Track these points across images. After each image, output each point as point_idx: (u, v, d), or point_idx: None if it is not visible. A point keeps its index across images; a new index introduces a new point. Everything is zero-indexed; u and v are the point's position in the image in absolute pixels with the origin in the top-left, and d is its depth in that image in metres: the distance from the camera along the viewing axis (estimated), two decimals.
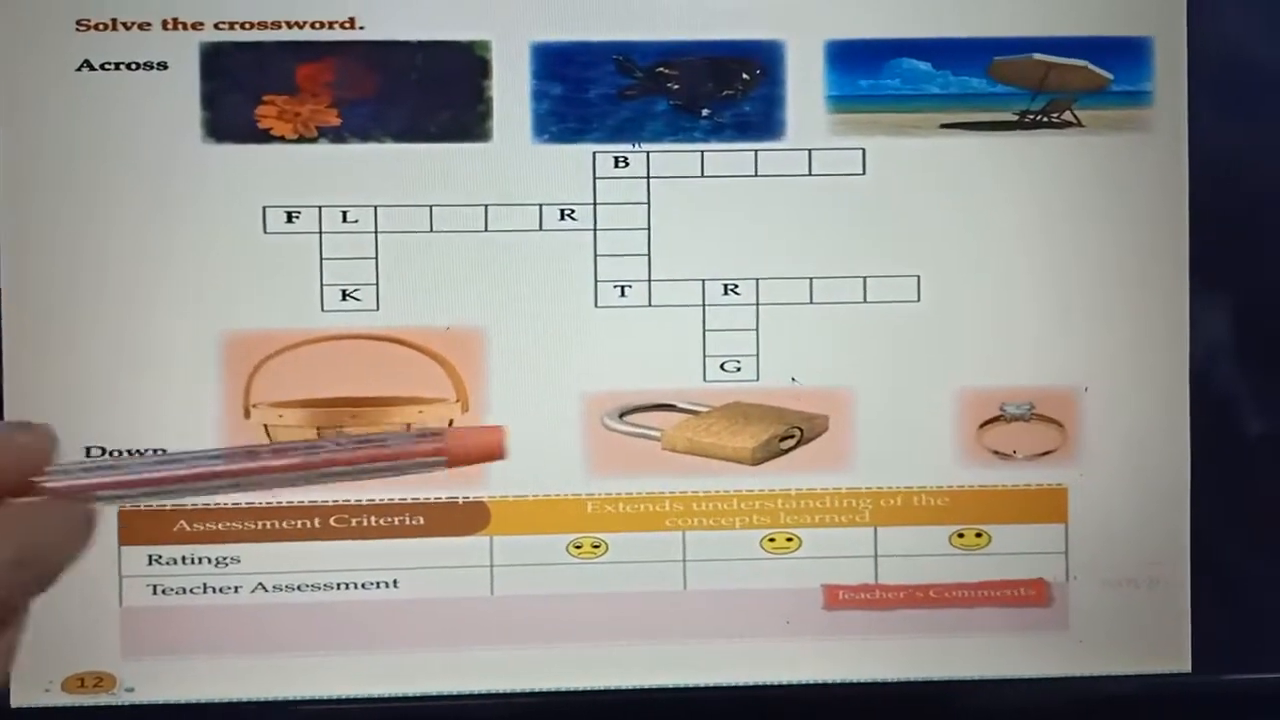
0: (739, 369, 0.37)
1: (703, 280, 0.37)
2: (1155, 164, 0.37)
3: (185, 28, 0.35)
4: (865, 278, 0.37)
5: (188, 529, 0.36)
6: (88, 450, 0.36)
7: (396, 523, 0.37)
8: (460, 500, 0.37)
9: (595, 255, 0.36)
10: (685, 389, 0.37)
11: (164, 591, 0.36)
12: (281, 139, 0.36)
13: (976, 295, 0.37)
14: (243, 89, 0.36)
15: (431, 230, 0.36)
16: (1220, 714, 0.39)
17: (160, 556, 0.36)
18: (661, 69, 0.36)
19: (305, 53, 0.36)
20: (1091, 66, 0.37)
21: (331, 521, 0.37)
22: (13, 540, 0.21)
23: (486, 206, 0.36)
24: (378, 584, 0.37)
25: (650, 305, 0.36)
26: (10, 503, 0.22)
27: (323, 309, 0.36)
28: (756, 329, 0.37)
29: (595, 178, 0.36)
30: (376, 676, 0.37)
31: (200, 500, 0.36)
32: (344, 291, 0.36)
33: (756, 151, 0.36)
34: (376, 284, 0.36)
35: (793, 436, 0.37)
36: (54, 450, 0.23)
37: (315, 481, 0.24)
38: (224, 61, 0.36)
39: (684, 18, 0.36)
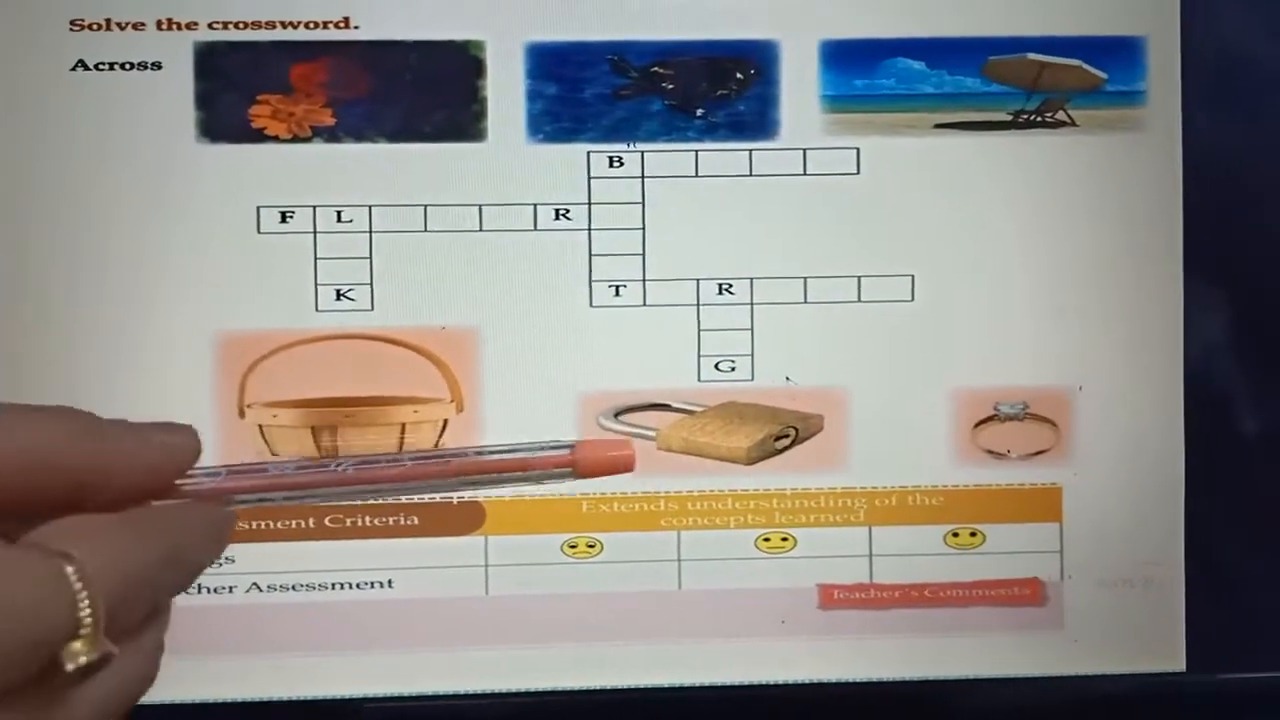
0: (734, 369, 0.37)
1: (697, 280, 0.37)
2: (1149, 163, 0.37)
3: (179, 27, 0.35)
4: (860, 277, 0.37)
5: None
6: None
7: (391, 523, 0.37)
8: (455, 500, 0.37)
9: (590, 255, 0.36)
10: (680, 389, 0.37)
11: None
12: (276, 139, 0.36)
13: (971, 295, 0.37)
14: (237, 89, 0.36)
15: (426, 230, 0.36)
16: (1214, 713, 0.39)
17: None
18: (656, 69, 0.36)
19: (299, 52, 0.36)
20: (1085, 66, 0.37)
21: (326, 521, 0.37)
22: (163, 540, 0.21)
23: (481, 206, 0.36)
24: (373, 584, 0.37)
25: (645, 305, 0.36)
26: (155, 505, 0.22)
27: (317, 309, 0.36)
28: (751, 329, 0.37)
29: (590, 177, 0.36)
30: (372, 676, 0.37)
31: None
32: (338, 291, 0.36)
33: (751, 151, 0.36)
34: (371, 284, 0.36)
35: (787, 436, 0.37)
36: (196, 452, 0.23)
37: (445, 490, 0.24)
38: (218, 61, 0.36)
39: (678, 18, 0.36)
